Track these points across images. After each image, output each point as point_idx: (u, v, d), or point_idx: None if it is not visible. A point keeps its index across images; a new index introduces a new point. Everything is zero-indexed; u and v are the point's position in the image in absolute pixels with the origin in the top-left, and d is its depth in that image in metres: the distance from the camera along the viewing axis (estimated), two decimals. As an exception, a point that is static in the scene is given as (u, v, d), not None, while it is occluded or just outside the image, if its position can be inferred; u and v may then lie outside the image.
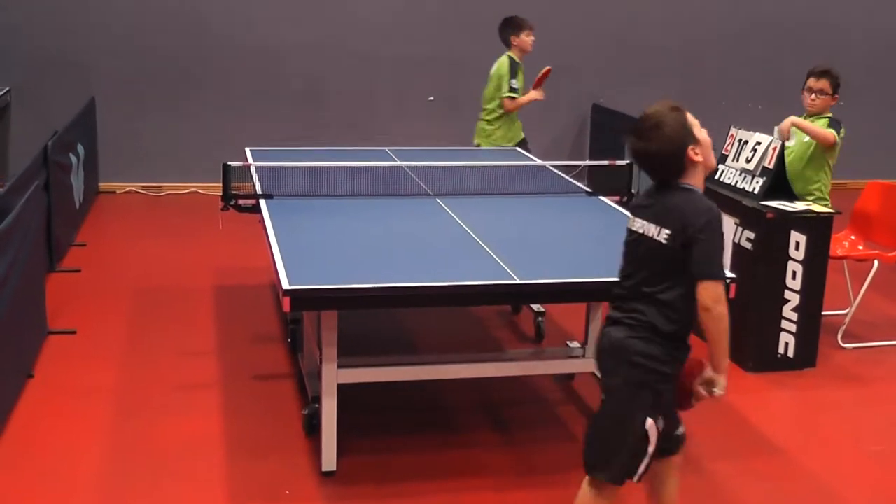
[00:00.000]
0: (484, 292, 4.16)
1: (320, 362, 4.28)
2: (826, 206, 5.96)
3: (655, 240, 3.30)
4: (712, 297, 3.24)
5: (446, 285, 4.09)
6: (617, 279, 3.46)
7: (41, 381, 5.26)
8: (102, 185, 9.43)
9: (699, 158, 3.32)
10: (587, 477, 3.46)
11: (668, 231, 3.26)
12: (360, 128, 9.55)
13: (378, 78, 9.79)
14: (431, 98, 9.88)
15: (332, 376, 4.27)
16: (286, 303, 3.96)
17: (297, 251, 4.49)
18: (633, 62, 10.20)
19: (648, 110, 3.34)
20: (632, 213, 3.45)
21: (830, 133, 5.91)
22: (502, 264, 4.35)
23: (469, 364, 4.78)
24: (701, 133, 3.35)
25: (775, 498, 4.40)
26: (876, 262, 6.10)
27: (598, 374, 3.53)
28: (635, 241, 3.39)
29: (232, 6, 9.46)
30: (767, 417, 5.22)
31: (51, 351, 5.65)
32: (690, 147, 3.31)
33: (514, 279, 4.16)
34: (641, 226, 3.36)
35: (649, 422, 3.32)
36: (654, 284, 3.30)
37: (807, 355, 5.77)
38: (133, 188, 9.57)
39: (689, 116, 3.36)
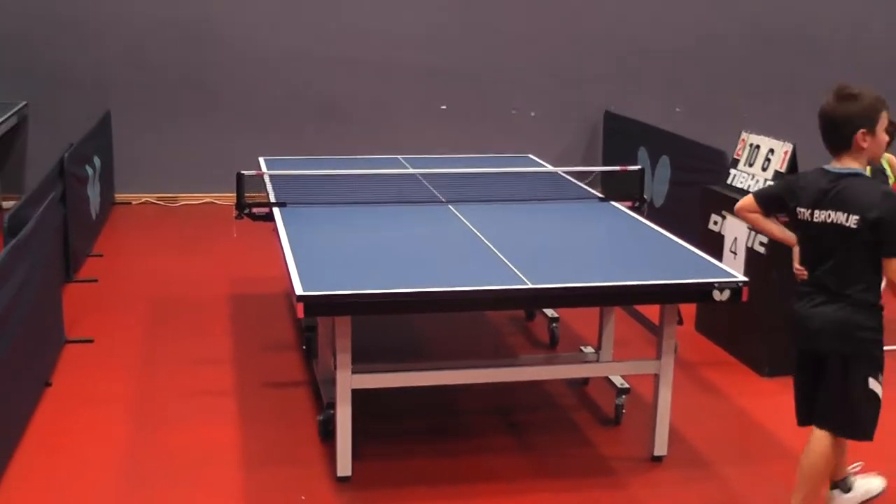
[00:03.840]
0: (496, 297, 4.17)
1: (335, 368, 4.31)
2: None
3: (846, 226, 3.66)
4: None
5: (458, 290, 4.11)
6: (802, 265, 3.93)
7: (58, 390, 5.30)
8: (118, 197, 9.49)
9: (865, 145, 3.71)
10: (823, 432, 3.95)
11: (856, 217, 3.63)
12: (375, 139, 9.58)
13: (393, 89, 9.83)
14: (444, 107, 9.91)
15: (347, 382, 4.29)
16: (300, 309, 3.99)
17: (311, 258, 4.52)
18: (646, 69, 10.20)
19: (856, 85, 3.73)
20: (810, 206, 3.76)
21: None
22: (514, 269, 4.37)
23: (483, 369, 4.80)
24: (882, 134, 3.76)
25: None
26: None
27: (807, 347, 3.92)
28: (821, 230, 3.74)
29: (246, 19, 9.51)
30: (783, 422, 5.17)
31: (68, 360, 5.70)
32: (862, 131, 3.69)
33: (526, 283, 4.18)
34: (828, 215, 3.71)
35: (878, 381, 3.86)
36: (853, 265, 3.71)
37: (821, 359, 5.75)
38: (149, 199, 9.63)
39: (885, 115, 3.75)
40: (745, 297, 4.30)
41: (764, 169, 5.97)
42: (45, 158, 7.40)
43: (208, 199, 9.58)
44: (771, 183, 5.86)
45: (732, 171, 6.25)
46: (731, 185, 6.21)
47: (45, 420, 4.96)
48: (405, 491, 4.39)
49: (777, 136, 6.04)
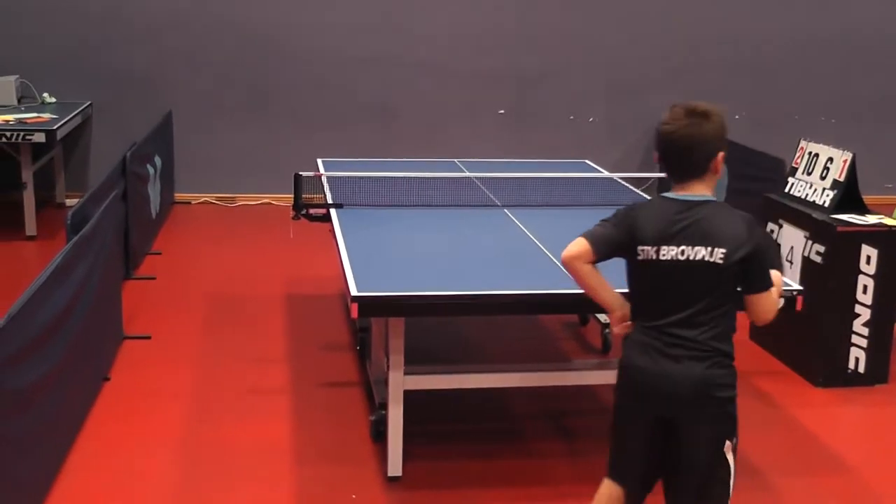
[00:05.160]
0: (549, 301, 4.20)
1: (387, 369, 4.35)
2: None
3: (709, 262, 3.17)
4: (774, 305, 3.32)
5: (512, 293, 4.14)
6: (635, 317, 3.36)
7: (117, 385, 5.40)
8: (178, 196, 9.62)
9: (720, 169, 3.27)
10: None
11: (723, 250, 3.17)
12: (431, 142, 9.62)
13: (450, 92, 9.85)
14: (502, 111, 9.93)
15: (399, 382, 4.33)
16: (354, 309, 4.04)
17: (366, 259, 4.57)
18: (705, 76, 10.14)
19: (696, 101, 3.25)
20: (656, 242, 3.23)
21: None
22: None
23: (535, 373, 4.82)
24: None
25: (843, 513, 4.36)
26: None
27: (654, 410, 3.33)
28: (671, 269, 3.21)
29: (304, 21, 9.60)
30: (837, 434, 5.17)
31: (126, 355, 5.80)
32: (722, 154, 3.24)
33: (579, 288, 4.18)
34: (680, 251, 3.19)
35: (733, 445, 3.38)
36: (713, 308, 3.22)
37: (878, 371, 5.70)
38: (207, 199, 9.76)
39: None
40: (799, 307, 4.28)
41: (822, 178, 5.92)
42: (108, 157, 7.54)
43: (266, 200, 9.68)
44: (830, 192, 5.81)
45: (790, 180, 6.20)
46: (788, 194, 6.16)
47: (103, 413, 5.06)
48: (454, 492, 4.42)
49: (837, 145, 5.99)
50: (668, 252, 3.19)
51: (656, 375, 3.25)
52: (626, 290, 3.43)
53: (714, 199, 3.25)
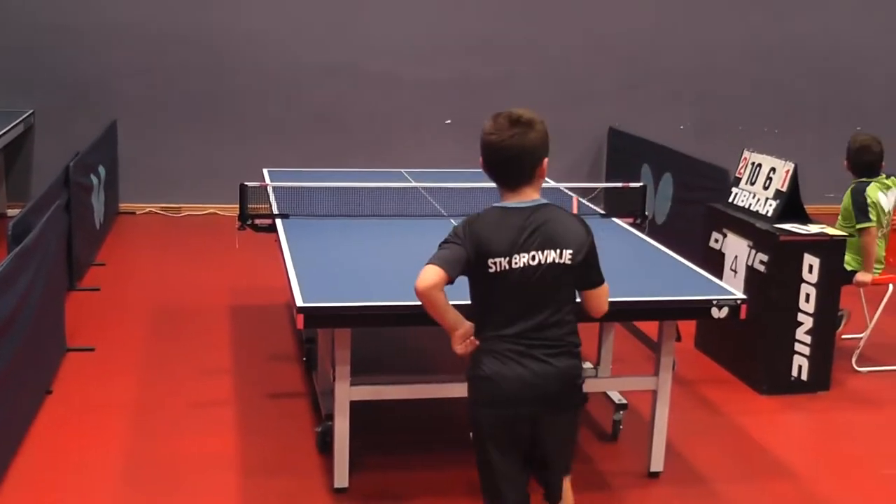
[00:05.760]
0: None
1: (333, 380, 4.33)
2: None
3: (559, 263, 3.25)
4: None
5: (458, 304, 4.12)
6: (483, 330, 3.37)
7: (59, 398, 5.32)
8: (122, 206, 9.53)
9: (545, 175, 3.36)
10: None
11: (570, 251, 3.27)
12: (379, 151, 9.62)
13: (397, 101, 9.87)
14: (448, 121, 9.95)
15: (345, 393, 4.31)
16: (300, 320, 4.02)
17: (312, 270, 4.55)
18: (652, 86, 10.24)
19: (516, 109, 3.32)
20: (507, 252, 3.24)
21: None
22: (514, 284, 4.38)
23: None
24: None
25: (786, 519, 4.40)
26: (891, 286, 6.11)
27: (527, 412, 3.37)
28: (524, 275, 3.24)
29: (251, 30, 9.56)
30: (781, 440, 5.23)
31: (69, 368, 5.72)
32: (546, 159, 3.32)
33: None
34: (531, 257, 3.24)
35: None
36: (563, 307, 3.33)
37: (821, 378, 5.77)
38: (152, 209, 9.67)
39: None
40: (743, 315, 4.32)
41: (766, 188, 5.99)
42: (51, 167, 7.44)
43: (211, 210, 9.61)
44: (773, 202, 5.88)
45: (734, 190, 6.28)
46: (732, 204, 6.23)
47: (45, 427, 4.98)
48: (401, 503, 4.40)
49: (780, 156, 6.07)
50: (521, 260, 3.24)
51: (524, 379, 3.30)
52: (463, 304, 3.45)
53: (545, 201, 3.33)
